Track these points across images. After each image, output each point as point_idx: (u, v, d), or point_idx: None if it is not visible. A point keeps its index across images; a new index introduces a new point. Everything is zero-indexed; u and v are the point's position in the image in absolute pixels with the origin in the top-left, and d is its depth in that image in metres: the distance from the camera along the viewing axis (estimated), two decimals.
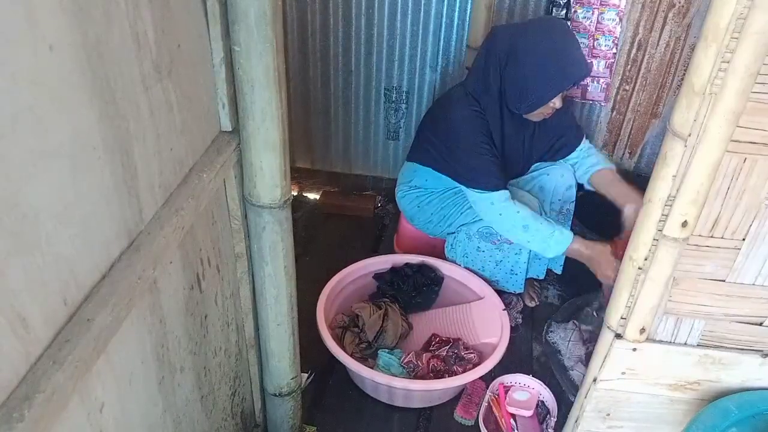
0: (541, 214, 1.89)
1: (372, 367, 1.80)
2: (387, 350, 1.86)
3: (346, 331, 1.88)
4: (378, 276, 2.09)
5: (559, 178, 2.04)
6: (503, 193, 1.83)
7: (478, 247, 2.03)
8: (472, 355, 1.87)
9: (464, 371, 1.79)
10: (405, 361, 1.83)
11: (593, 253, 1.78)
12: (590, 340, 1.99)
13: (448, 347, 1.88)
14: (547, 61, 1.71)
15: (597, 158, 2.04)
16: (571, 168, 2.07)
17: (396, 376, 1.77)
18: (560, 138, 2.03)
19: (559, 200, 2.06)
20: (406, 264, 2.10)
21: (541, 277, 2.22)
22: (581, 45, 2.25)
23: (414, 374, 1.82)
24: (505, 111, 1.87)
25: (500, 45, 1.76)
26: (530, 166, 2.09)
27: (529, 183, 2.08)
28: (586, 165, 2.04)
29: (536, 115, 1.86)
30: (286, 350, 1.41)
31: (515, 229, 1.83)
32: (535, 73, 1.73)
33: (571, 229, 2.08)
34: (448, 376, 1.78)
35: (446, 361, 1.86)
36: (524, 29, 1.77)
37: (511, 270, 2.06)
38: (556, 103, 1.80)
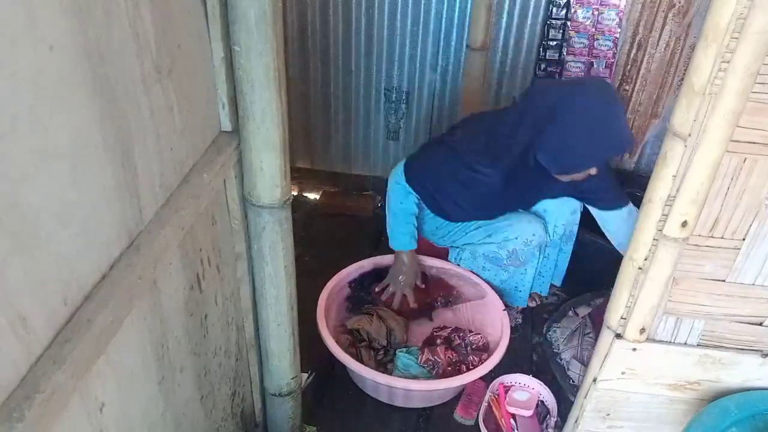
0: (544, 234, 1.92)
1: (390, 372, 1.80)
2: (404, 350, 1.85)
3: (360, 349, 1.85)
4: (351, 282, 2.05)
5: (564, 201, 1.98)
6: (403, 185, 1.87)
7: (483, 266, 2.03)
8: (479, 335, 1.89)
9: (479, 360, 1.81)
10: (423, 360, 1.82)
11: (402, 266, 1.97)
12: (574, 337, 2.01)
13: (454, 333, 1.90)
14: (593, 127, 1.58)
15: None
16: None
17: (418, 378, 1.77)
18: (596, 198, 1.92)
19: (563, 224, 2.03)
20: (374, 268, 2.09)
21: (545, 294, 2.21)
22: (582, 44, 2.27)
23: (435, 372, 1.81)
24: (520, 167, 1.73)
25: (543, 100, 1.64)
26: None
27: (534, 205, 2.03)
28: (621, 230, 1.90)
29: (567, 177, 1.74)
30: (286, 350, 1.41)
31: (389, 201, 1.94)
32: (578, 137, 1.59)
33: (575, 251, 2.10)
34: (466, 368, 1.79)
35: (458, 350, 1.86)
36: (571, 89, 1.66)
37: (515, 287, 2.07)
38: (593, 170, 1.68)
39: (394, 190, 1.91)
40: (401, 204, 1.91)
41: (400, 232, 1.94)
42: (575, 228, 2.06)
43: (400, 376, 1.78)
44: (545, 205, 2.01)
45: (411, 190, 1.89)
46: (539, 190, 1.94)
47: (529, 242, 1.92)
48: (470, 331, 1.92)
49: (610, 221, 1.92)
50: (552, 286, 2.25)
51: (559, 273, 2.17)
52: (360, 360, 1.79)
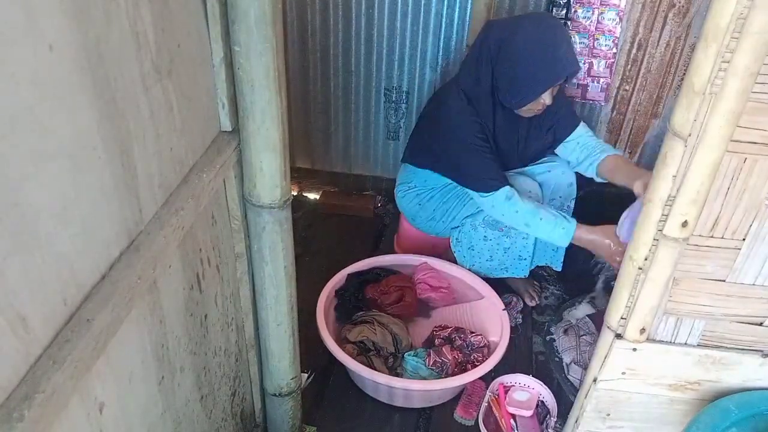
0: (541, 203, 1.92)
1: (401, 377, 1.80)
2: (411, 354, 1.85)
3: (370, 357, 1.84)
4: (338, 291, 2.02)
5: (560, 175, 2.03)
6: (503, 193, 1.84)
7: (485, 236, 2.03)
8: (480, 336, 1.89)
9: (483, 357, 1.81)
10: (431, 363, 1.82)
11: (596, 238, 1.80)
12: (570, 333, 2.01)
13: (455, 334, 1.90)
14: (536, 56, 1.72)
15: (601, 146, 2.01)
16: (572, 172, 2.07)
17: (426, 379, 1.77)
18: (552, 126, 2.02)
19: (560, 197, 2.06)
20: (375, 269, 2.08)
21: (558, 268, 2.18)
22: (582, 44, 2.26)
23: (444, 373, 1.81)
24: (498, 105, 1.87)
25: (492, 39, 1.77)
26: (527, 159, 2.07)
27: (529, 161, 2.08)
28: (591, 155, 2.00)
29: (527, 111, 1.85)
30: (286, 350, 1.41)
31: (518, 226, 1.88)
32: (525, 68, 1.73)
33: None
34: (471, 367, 1.79)
35: (462, 350, 1.87)
36: (516, 24, 1.78)
37: (519, 256, 2.06)
38: (546, 99, 1.80)
39: (497, 207, 1.86)
40: (516, 214, 1.84)
41: (548, 225, 1.83)
42: (572, 204, 2.08)
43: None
44: (542, 179, 2.05)
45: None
46: (525, 131, 1.98)
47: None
48: (471, 332, 1.92)
49: (572, 145, 2.03)
50: (551, 274, 2.25)
51: (558, 255, 2.15)
52: (372, 368, 1.77)
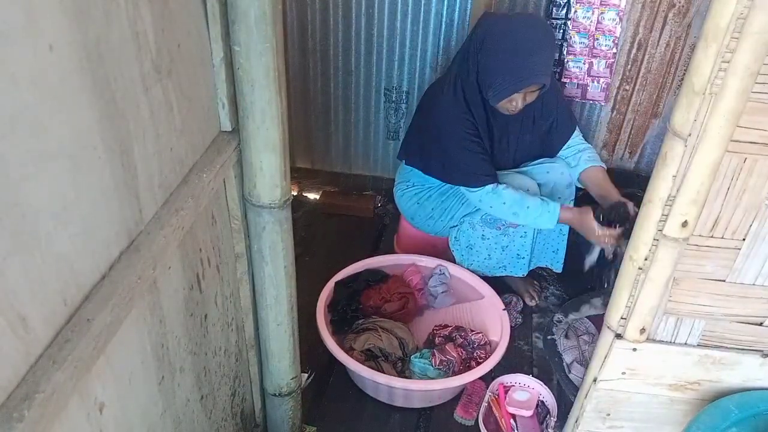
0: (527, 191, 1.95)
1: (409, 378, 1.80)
2: (416, 355, 1.85)
3: (379, 362, 1.82)
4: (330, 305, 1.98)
5: (559, 176, 2.03)
6: (489, 187, 1.88)
7: (483, 234, 2.03)
8: (480, 334, 1.90)
9: (486, 355, 1.81)
10: (437, 363, 1.82)
11: (579, 217, 1.88)
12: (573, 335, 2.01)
13: (456, 332, 1.91)
14: (508, 56, 1.73)
15: (589, 155, 2.04)
16: (570, 173, 2.07)
17: (433, 379, 1.77)
18: (550, 129, 2.03)
19: (559, 198, 2.05)
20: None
21: (559, 269, 2.20)
22: (582, 44, 2.26)
23: (451, 371, 1.81)
24: (489, 106, 1.88)
25: (480, 30, 1.79)
26: (521, 160, 2.06)
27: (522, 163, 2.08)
28: (579, 163, 2.04)
29: (501, 108, 1.85)
30: (286, 350, 1.41)
31: (507, 216, 1.92)
32: (497, 64, 1.75)
33: (576, 245, 2.10)
34: (475, 364, 1.79)
35: (465, 347, 1.87)
36: (505, 20, 1.80)
37: (518, 254, 2.07)
38: (517, 102, 1.80)
39: (485, 200, 1.90)
40: (504, 205, 1.88)
41: (534, 212, 1.87)
42: (571, 204, 2.08)
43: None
44: (540, 180, 2.04)
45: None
46: (518, 128, 1.98)
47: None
48: (471, 330, 1.92)
49: (574, 160, 2.05)
50: (550, 274, 2.26)
51: (558, 257, 2.16)
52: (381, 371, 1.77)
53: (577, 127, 2.07)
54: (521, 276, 2.14)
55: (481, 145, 1.89)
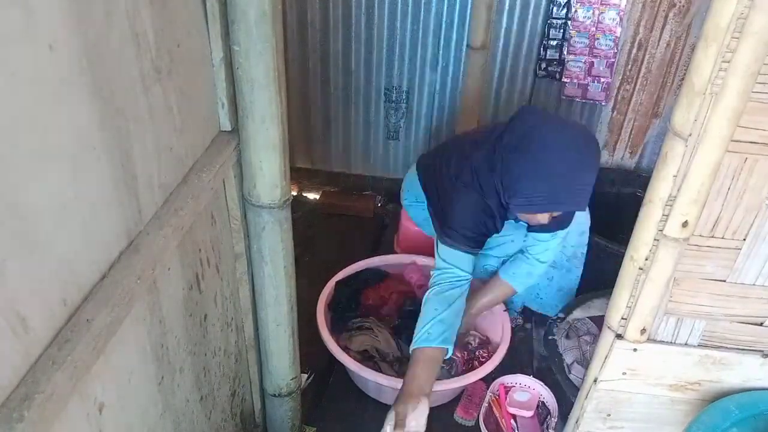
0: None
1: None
2: None
3: (378, 363, 1.82)
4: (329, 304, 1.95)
5: (572, 224, 1.85)
6: (453, 274, 1.61)
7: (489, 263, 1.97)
8: (477, 333, 1.90)
9: (488, 354, 1.81)
10: None
11: (403, 394, 1.45)
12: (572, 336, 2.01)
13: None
14: (550, 177, 1.42)
15: (522, 271, 1.83)
16: (586, 213, 1.93)
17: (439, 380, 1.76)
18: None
19: (572, 246, 2.00)
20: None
21: (553, 315, 2.07)
22: (582, 44, 2.26)
23: (454, 372, 1.81)
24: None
25: (519, 126, 1.51)
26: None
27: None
28: (507, 265, 1.85)
29: (522, 217, 1.62)
30: (285, 350, 1.41)
31: (424, 305, 1.60)
32: (529, 176, 1.44)
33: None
34: (477, 363, 1.79)
35: (467, 347, 1.88)
36: (551, 125, 1.50)
37: (537, 294, 2.10)
38: (543, 219, 1.54)
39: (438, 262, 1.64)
40: (424, 306, 1.59)
41: (419, 327, 1.56)
42: (584, 251, 2.00)
43: None
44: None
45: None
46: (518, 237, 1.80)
47: None
48: (470, 333, 1.92)
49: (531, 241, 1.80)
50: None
51: (564, 296, 2.11)
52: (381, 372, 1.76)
53: (555, 237, 1.77)
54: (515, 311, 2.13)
55: (479, 243, 1.64)
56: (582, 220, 1.93)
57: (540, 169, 1.43)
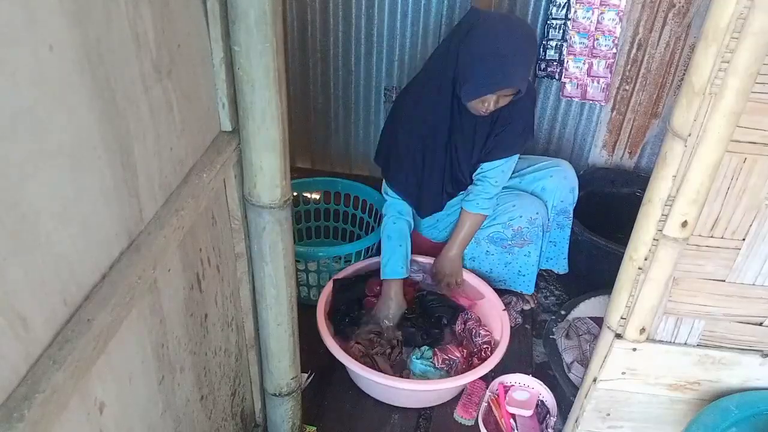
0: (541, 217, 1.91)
1: (408, 377, 1.80)
2: (417, 355, 1.85)
3: (374, 357, 1.83)
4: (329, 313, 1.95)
5: (562, 180, 2.02)
6: (393, 207, 1.94)
7: (487, 250, 2.04)
8: (486, 329, 1.92)
9: (489, 349, 1.83)
10: (440, 362, 1.82)
11: (384, 302, 1.94)
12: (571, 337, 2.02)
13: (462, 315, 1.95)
14: (488, 56, 1.64)
15: (478, 197, 1.92)
16: (573, 172, 2.07)
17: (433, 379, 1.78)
18: (490, 139, 1.87)
19: (561, 202, 2.06)
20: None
21: (563, 270, 2.20)
22: (582, 44, 2.26)
23: (454, 371, 1.82)
24: (456, 104, 1.79)
25: (465, 25, 1.71)
26: (476, 162, 1.94)
27: (532, 184, 2.06)
28: (467, 198, 1.96)
29: (471, 108, 1.74)
30: (286, 350, 1.41)
31: (382, 232, 1.96)
32: (474, 62, 1.66)
33: (572, 230, 2.09)
34: (478, 360, 1.80)
35: (471, 340, 1.89)
36: (490, 19, 1.71)
37: (519, 271, 2.07)
38: (489, 104, 1.69)
39: (386, 211, 1.96)
40: (394, 224, 1.93)
41: (394, 256, 1.90)
42: (570, 208, 2.08)
43: None
44: (543, 184, 2.04)
45: (396, 196, 1.93)
46: (473, 140, 1.88)
47: (533, 221, 1.96)
48: (479, 324, 1.95)
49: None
50: (551, 274, 2.27)
51: (562, 257, 2.16)
52: (376, 368, 1.77)
53: (508, 161, 1.90)
54: (525, 293, 2.16)
55: (422, 168, 1.88)
56: (570, 175, 2.05)
57: (483, 54, 1.66)
